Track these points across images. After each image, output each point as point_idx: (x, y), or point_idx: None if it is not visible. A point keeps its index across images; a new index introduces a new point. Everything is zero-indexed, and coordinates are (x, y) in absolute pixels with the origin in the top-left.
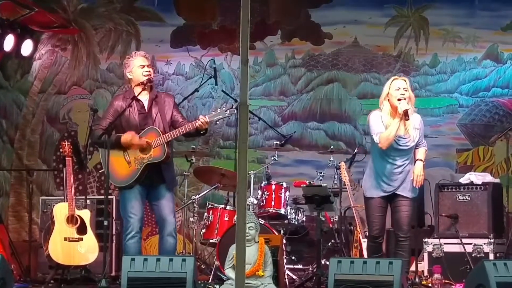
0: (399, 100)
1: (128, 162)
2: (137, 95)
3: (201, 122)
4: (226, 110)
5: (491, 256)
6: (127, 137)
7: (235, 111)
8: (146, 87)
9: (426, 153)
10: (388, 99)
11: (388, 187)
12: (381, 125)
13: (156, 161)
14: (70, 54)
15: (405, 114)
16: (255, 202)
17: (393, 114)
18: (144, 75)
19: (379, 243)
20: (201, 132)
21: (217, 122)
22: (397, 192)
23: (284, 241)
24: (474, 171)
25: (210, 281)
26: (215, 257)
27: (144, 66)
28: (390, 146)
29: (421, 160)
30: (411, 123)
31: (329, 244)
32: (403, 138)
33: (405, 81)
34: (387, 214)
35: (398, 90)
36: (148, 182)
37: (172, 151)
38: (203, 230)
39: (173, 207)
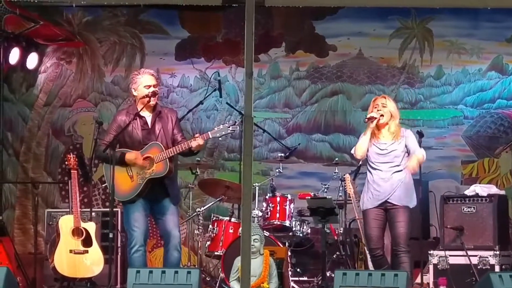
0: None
1: (130, 177)
2: (140, 111)
3: (194, 146)
4: (229, 127)
5: (497, 268)
6: (131, 156)
7: (238, 128)
8: (149, 104)
9: (424, 158)
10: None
11: (378, 194)
12: (366, 140)
13: (158, 176)
14: (75, 67)
15: (369, 119)
16: (260, 214)
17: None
18: (150, 95)
19: (380, 256)
20: (194, 152)
21: (220, 138)
22: (389, 201)
23: (289, 253)
24: (480, 183)
25: None
26: (220, 270)
27: (150, 86)
28: (373, 153)
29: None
30: (396, 132)
31: (334, 256)
32: (383, 143)
33: (385, 98)
34: (386, 233)
35: (376, 107)
36: (152, 197)
37: (175, 166)
38: (208, 243)
39: (177, 221)
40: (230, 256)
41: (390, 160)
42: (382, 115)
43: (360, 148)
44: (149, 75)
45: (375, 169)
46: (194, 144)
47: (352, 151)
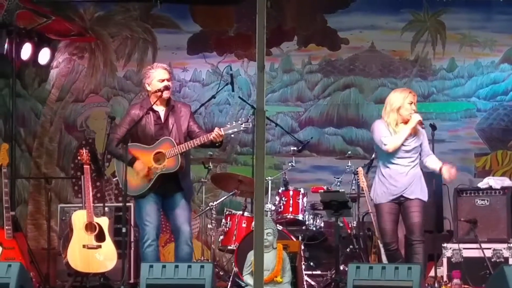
0: (411, 112)
1: None
2: (153, 104)
3: (215, 135)
4: (242, 124)
5: (511, 261)
6: (139, 167)
7: (250, 125)
8: (162, 98)
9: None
10: (399, 112)
11: (395, 189)
12: (387, 131)
13: (169, 171)
14: (87, 62)
15: (421, 123)
16: (273, 208)
17: (404, 125)
18: (162, 89)
19: (394, 250)
20: (216, 144)
21: (232, 135)
22: (404, 195)
23: (302, 247)
24: (493, 176)
25: (228, 287)
26: (233, 264)
27: (163, 80)
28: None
29: (445, 164)
30: (415, 128)
31: (348, 249)
32: (409, 139)
33: (415, 96)
34: (400, 221)
35: (411, 104)
36: (164, 191)
37: (188, 161)
38: (221, 237)
39: (188, 216)
40: (243, 250)
41: (410, 156)
42: (414, 110)
43: (396, 144)
44: (162, 69)
45: (394, 164)
46: (212, 136)
47: (385, 142)
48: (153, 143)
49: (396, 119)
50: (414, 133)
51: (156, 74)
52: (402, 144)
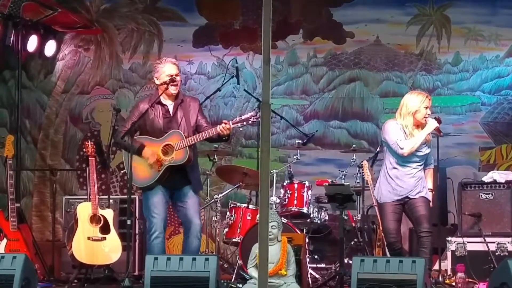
0: (426, 116)
1: (149, 164)
2: (160, 96)
3: (223, 128)
4: (250, 117)
5: None
6: (147, 154)
7: (258, 118)
8: (170, 92)
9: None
10: (415, 115)
11: (401, 189)
12: (403, 134)
13: (177, 163)
14: (93, 54)
15: (439, 130)
16: (278, 201)
17: (416, 128)
18: (170, 84)
19: (399, 249)
20: (224, 138)
21: (241, 128)
22: (410, 196)
23: (307, 240)
24: (497, 170)
25: (233, 280)
26: (238, 256)
27: (172, 75)
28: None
29: (432, 190)
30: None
31: (352, 243)
32: (422, 145)
33: (431, 100)
34: (403, 221)
35: (426, 108)
36: (172, 184)
37: (195, 154)
38: (226, 229)
39: (198, 208)
40: (248, 243)
41: (420, 161)
42: (429, 115)
43: (413, 148)
44: (171, 64)
45: (404, 166)
46: (220, 128)
47: (401, 146)
48: (162, 136)
49: (412, 122)
50: (427, 139)
51: (164, 69)
52: (417, 150)
